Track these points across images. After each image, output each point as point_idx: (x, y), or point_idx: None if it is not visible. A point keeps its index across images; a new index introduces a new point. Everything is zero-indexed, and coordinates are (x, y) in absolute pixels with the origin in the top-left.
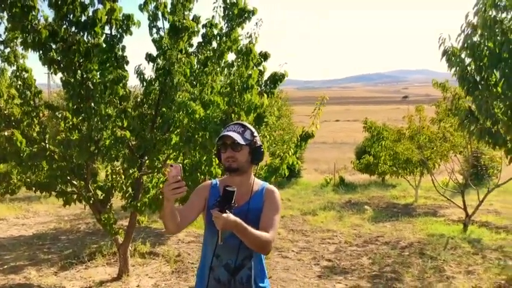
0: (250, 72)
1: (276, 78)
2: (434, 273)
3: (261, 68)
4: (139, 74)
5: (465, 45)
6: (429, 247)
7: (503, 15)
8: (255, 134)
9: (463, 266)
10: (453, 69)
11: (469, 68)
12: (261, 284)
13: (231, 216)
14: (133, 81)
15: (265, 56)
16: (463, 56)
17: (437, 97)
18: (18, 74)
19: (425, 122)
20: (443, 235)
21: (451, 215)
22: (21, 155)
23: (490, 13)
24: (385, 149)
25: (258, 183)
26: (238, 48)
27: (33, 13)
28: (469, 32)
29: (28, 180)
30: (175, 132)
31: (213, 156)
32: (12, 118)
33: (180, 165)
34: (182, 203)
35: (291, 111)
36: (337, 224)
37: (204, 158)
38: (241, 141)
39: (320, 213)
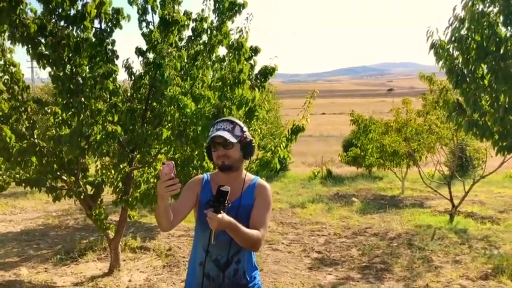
0: (241, 66)
1: (267, 72)
2: (422, 263)
3: (251, 62)
4: (128, 68)
5: (453, 38)
6: (417, 238)
7: (490, 8)
8: (244, 129)
9: (450, 255)
10: (441, 62)
11: (456, 61)
12: (249, 277)
13: (225, 217)
14: (121, 76)
15: (255, 51)
16: (450, 49)
17: (421, 90)
18: (5, 68)
19: (411, 115)
20: (431, 226)
21: (437, 206)
22: (11, 150)
23: (477, 6)
24: (372, 141)
25: (249, 178)
26: (230, 43)
27: (21, 7)
28: (457, 26)
29: (17, 176)
30: (167, 126)
31: (205, 151)
32: (1, 113)
33: (173, 162)
34: (174, 198)
35: (278, 105)
36: (325, 216)
37: (196, 152)
38: (233, 140)
39: (309, 206)
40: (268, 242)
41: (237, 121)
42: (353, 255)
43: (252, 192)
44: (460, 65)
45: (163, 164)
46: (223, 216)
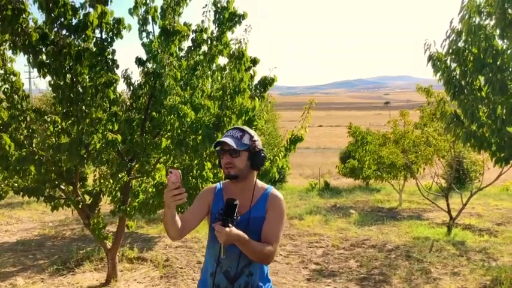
0: (242, 75)
1: (266, 82)
2: (421, 275)
3: (251, 72)
4: (127, 78)
5: (450, 50)
6: (415, 250)
7: (487, 21)
8: (255, 138)
9: (448, 267)
10: (438, 74)
11: (454, 73)
12: None
13: (234, 230)
14: (119, 87)
15: (254, 62)
16: (448, 61)
17: (418, 103)
18: (6, 77)
19: (409, 127)
20: (428, 238)
21: (435, 218)
22: (9, 159)
23: (474, 19)
24: (370, 153)
25: (260, 189)
26: (231, 52)
27: (24, 16)
28: (454, 38)
29: (15, 184)
30: (166, 135)
31: (205, 160)
32: (0, 122)
33: (179, 171)
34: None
35: (276, 116)
36: (323, 228)
37: (196, 161)
38: (237, 147)
39: (306, 218)
40: None
41: (249, 130)
42: (351, 266)
43: (264, 204)
44: (457, 77)
45: (170, 172)
46: (231, 229)
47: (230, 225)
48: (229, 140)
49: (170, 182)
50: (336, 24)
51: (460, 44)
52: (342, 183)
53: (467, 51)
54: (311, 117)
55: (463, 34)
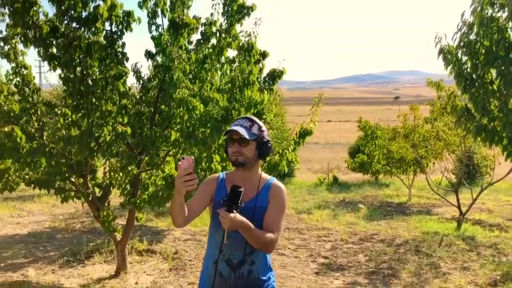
0: (251, 68)
1: (275, 75)
2: (430, 269)
3: (260, 65)
4: (136, 72)
5: (461, 43)
6: (424, 244)
7: (499, 13)
8: (263, 128)
9: (458, 262)
10: (449, 68)
11: (465, 66)
12: (263, 278)
13: (238, 216)
14: (129, 80)
15: (264, 55)
16: (459, 54)
17: (428, 98)
18: (17, 70)
19: (419, 121)
20: (438, 233)
21: (444, 213)
22: (21, 151)
23: (487, 11)
24: (379, 147)
25: (264, 179)
26: (240, 44)
27: (35, 8)
28: (466, 31)
29: (26, 177)
30: (175, 128)
31: (213, 153)
32: (12, 114)
33: (192, 157)
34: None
35: (284, 110)
36: (332, 222)
37: (204, 154)
38: (248, 136)
39: (315, 212)
40: None
41: (257, 120)
42: (360, 260)
43: (267, 194)
44: (468, 70)
45: (182, 158)
46: (235, 215)
47: (234, 211)
48: (240, 129)
49: (182, 169)
50: (345, 18)
51: (472, 37)
52: (351, 178)
53: (478, 43)
54: (320, 112)
55: (475, 26)
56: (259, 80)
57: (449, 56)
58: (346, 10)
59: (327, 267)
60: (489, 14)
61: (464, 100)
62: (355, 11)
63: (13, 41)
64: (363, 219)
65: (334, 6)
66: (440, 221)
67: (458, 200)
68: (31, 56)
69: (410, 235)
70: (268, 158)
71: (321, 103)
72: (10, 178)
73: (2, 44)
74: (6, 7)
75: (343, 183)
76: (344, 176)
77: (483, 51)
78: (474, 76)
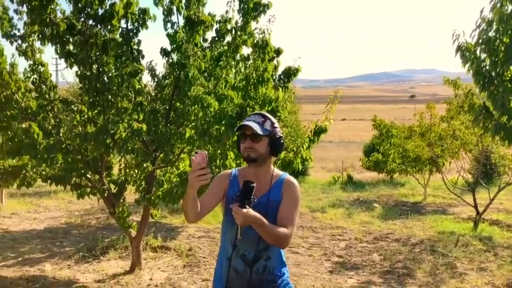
0: (265, 65)
1: (290, 73)
2: (446, 269)
3: (274, 63)
4: (151, 70)
5: (480, 40)
6: (440, 244)
7: None
8: (276, 124)
9: (475, 262)
10: (467, 65)
11: (483, 63)
12: (278, 273)
13: (251, 211)
14: (144, 78)
15: (278, 52)
16: (478, 51)
17: (444, 96)
18: (34, 68)
19: (436, 119)
20: (454, 233)
21: (460, 213)
22: (38, 147)
23: (506, 8)
24: (394, 146)
25: (277, 174)
26: (255, 42)
27: (52, 6)
28: (485, 28)
29: (43, 173)
30: (190, 126)
31: (228, 150)
32: (29, 111)
33: (206, 152)
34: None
35: (298, 108)
36: (346, 221)
37: (219, 151)
38: (261, 132)
39: (329, 211)
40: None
41: (270, 116)
42: (374, 260)
43: (280, 188)
44: (487, 68)
45: (195, 153)
46: (248, 210)
47: (247, 206)
48: (253, 124)
49: (195, 163)
50: (360, 16)
51: (491, 34)
52: (365, 177)
53: (498, 40)
54: (334, 110)
55: (494, 23)
56: (273, 77)
57: (467, 54)
58: (361, 7)
59: (341, 266)
60: (509, 11)
61: (483, 98)
62: (370, 9)
63: (30, 38)
64: (378, 218)
65: (349, 3)
66: (456, 221)
67: (475, 199)
68: (48, 54)
69: (426, 235)
70: (282, 155)
71: (336, 101)
72: (27, 174)
73: (20, 42)
74: (25, 5)
75: (358, 182)
76: (358, 175)
77: (502, 48)
78: (493, 74)
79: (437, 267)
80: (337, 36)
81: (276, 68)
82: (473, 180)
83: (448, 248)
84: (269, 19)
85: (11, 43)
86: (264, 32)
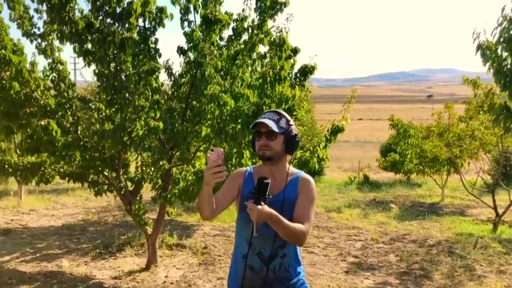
0: (282, 63)
1: (306, 71)
2: (464, 271)
3: (291, 61)
4: (168, 69)
5: (501, 39)
6: (458, 246)
7: None
8: (291, 122)
9: (494, 265)
10: (488, 64)
11: (505, 62)
12: (293, 271)
13: (266, 208)
14: (160, 77)
15: (295, 51)
16: (499, 50)
17: (462, 96)
18: (53, 66)
19: (454, 119)
20: (472, 234)
21: (479, 214)
22: (56, 144)
23: None
24: (412, 146)
25: (292, 172)
26: (272, 40)
27: (71, 4)
28: (506, 26)
29: (61, 170)
30: (206, 124)
31: (244, 149)
32: (48, 109)
33: (221, 149)
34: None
35: (312, 106)
36: (362, 222)
37: (235, 150)
38: (276, 129)
39: (345, 211)
40: (304, 244)
41: (285, 114)
42: (391, 260)
43: (295, 186)
44: (508, 66)
45: (211, 150)
46: (263, 207)
47: (262, 203)
48: (268, 122)
49: (211, 160)
50: (377, 14)
51: None
52: (382, 177)
53: None
54: (351, 110)
55: None
56: (290, 75)
57: (488, 52)
58: (379, 6)
59: (357, 266)
60: None
61: (503, 98)
62: (388, 7)
63: (50, 37)
64: (394, 219)
65: (366, 1)
66: (475, 223)
67: (494, 201)
68: (67, 53)
69: (443, 236)
70: (298, 155)
71: (353, 100)
72: (46, 171)
73: (39, 41)
74: (44, 3)
75: (374, 182)
76: (375, 175)
77: None
78: None
79: (455, 269)
80: (354, 34)
81: (292, 66)
82: (492, 182)
83: (467, 250)
84: (287, 18)
85: (31, 41)
86: (282, 31)
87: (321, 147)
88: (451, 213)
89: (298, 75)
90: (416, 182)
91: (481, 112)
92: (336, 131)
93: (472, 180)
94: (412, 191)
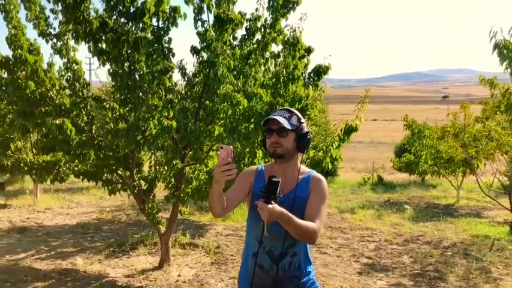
0: (296, 62)
1: (320, 71)
2: (480, 274)
3: (305, 60)
4: (182, 69)
5: None
6: (473, 248)
7: None
8: (302, 120)
9: (511, 268)
10: (505, 63)
11: None
12: (304, 271)
13: (276, 207)
14: (174, 76)
15: (308, 50)
16: None
17: (479, 97)
18: (68, 65)
19: (470, 119)
20: (488, 236)
21: (495, 216)
22: (71, 143)
23: None
24: (427, 147)
25: (304, 171)
26: (285, 39)
27: (85, 4)
28: None
29: (76, 168)
30: (219, 123)
31: (257, 148)
32: (63, 108)
33: (231, 147)
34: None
35: (325, 108)
36: (376, 223)
37: (247, 149)
38: (287, 126)
39: (358, 212)
40: (317, 245)
41: (296, 112)
42: (405, 262)
43: (307, 185)
44: None
45: (221, 147)
46: (274, 206)
47: (273, 202)
48: (279, 118)
49: (220, 158)
50: (394, 14)
51: None
52: (396, 178)
53: None
54: (365, 111)
55: None
56: (303, 75)
57: (505, 51)
58: (395, 6)
59: (370, 267)
60: None
61: None
62: (403, 7)
63: (65, 37)
64: (409, 220)
65: (382, 1)
66: (491, 225)
67: (511, 203)
68: (82, 53)
69: (459, 238)
70: (311, 154)
71: (367, 99)
72: (61, 170)
73: (55, 41)
74: (59, 3)
75: (388, 183)
76: (389, 176)
77: None
78: None
79: (471, 272)
80: (369, 34)
81: (306, 66)
82: (509, 183)
83: (482, 252)
84: (300, 17)
85: (47, 41)
86: (295, 30)
87: (334, 146)
88: (466, 215)
89: (312, 74)
90: (431, 183)
91: (497, 112)
92: (349, 130)
93: (488, 182)
94: (427, 192)
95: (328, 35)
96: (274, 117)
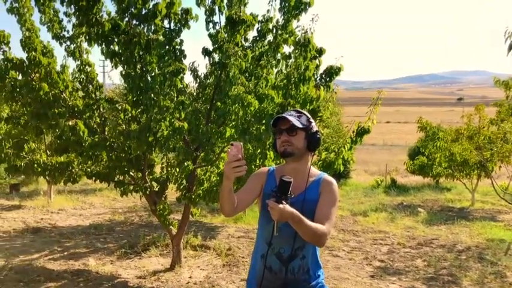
0: (307, 63)
1: (332, 72)
2: (495, 278)
3: (316, 62)
4: (193, 71)
5: None
6: (488, 252)
7: None
8: (311, 120)
9: None
10: None
11: None
12: (313, 274)
13: (287, 207)
14: (186, 78)
15: (320, 52)
16: None
17: (494, 99)
18: (82, 68)
19: (485, 122)
20: (504, 240)
21: (511, 220)
22: (83, 144)
23: None
24: (441, 149)
25: (314, 173)
26: (296, 40)
27: (98, 6)
28: None
29: (88, 170)
30: (230, 125)
31: (268, 150)
32: (76, 109)
33: (241, 143)
34: (239, 184)
35: (339, 110)
36: (389, 226)
37: (259, 150)
38: (297, 124)
39: (371, 214)
40: (329, 248)
41: (305, 112)
42: (418, 265)
43: (317, 187)
44: None
45: (231, 144)
46: (285, 206)
47: (284, 202)
48: (289, 117)
49: (230, 155)
50: (406, 15)
51: None
52: (410, 181)
53: None
54: (378, 113)
55: None
56: (315, 76)
57: None
58: (409, 7)
59: (382, 270)
60: None
61: None
62: (418, 9)
63: (78, 39)
64: (422, 224)
65: (396, 3)
66: (506, 228)
67: None
68: (95, 56)
69: (473, 241)
70: (323, 156)
71: (380, 101)
72: (73, 171)
73: (68, 43)
74: (72, 5)
75: (402, 186)
76: (402, 179)
77: None
78: None
79: (486, 276)
80: (382, 36)
81: (317, 67)
82: None
83: (498, 256)
84: (312, 18)
85: (60, 44)
86: (307, 31)
87: (346, 148)
88: (481, 218)
89: (323, 76)
90: (445, 186)
91: None
92: (361, 132)
93: (503, 185)
94: (441, 195)
95: (342, 37)
96: (283, 115)
